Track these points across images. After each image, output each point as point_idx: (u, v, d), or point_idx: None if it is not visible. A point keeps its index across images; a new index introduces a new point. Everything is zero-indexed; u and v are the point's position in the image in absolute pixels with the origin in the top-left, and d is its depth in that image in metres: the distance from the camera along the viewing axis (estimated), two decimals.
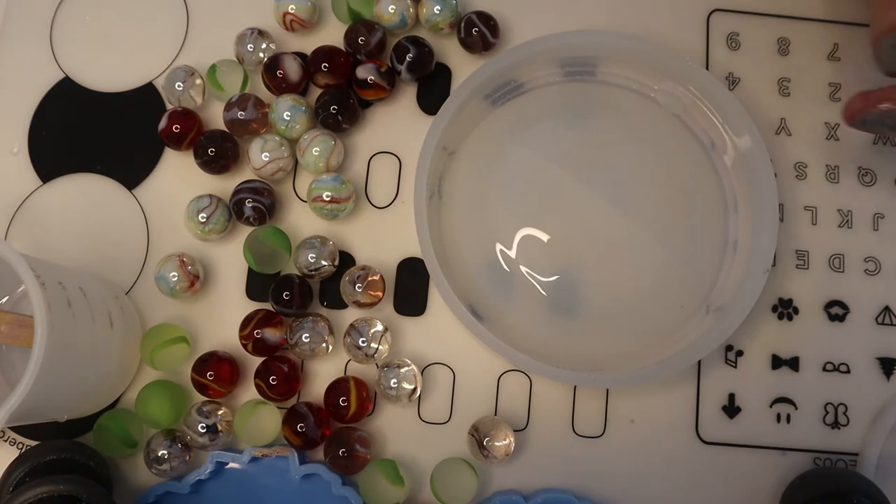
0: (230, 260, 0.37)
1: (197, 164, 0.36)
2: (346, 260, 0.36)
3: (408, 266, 0.36)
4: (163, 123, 0.37)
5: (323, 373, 0.35)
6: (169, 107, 0.38)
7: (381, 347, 0.34)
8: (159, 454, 0.33)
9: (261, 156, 0.35)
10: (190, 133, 0.37)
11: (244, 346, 0.34)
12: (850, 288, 0.37)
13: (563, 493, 0.34)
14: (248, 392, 0.35)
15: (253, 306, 0.36)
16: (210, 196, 0.36)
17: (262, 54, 0.37)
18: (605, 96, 0.38)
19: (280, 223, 0.37)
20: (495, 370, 0.36)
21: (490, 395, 0.35)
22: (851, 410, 0.36)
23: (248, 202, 0.35)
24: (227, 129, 0.37)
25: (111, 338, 0.32)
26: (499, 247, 0.36)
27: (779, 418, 0.36)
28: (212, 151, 0.36)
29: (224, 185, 0.37)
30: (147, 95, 0.38)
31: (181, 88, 0.37)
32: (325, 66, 0.37)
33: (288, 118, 0.36)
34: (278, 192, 0.37)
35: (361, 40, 0.37)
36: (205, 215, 0.35)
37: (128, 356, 0.34)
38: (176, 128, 0.36)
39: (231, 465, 0.34)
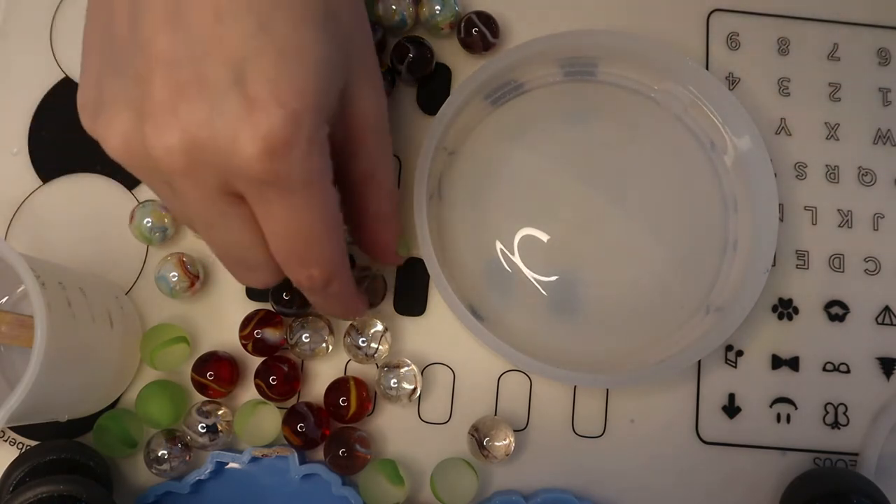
0: None
1: None
2: None
3: (408, 266, 0.36)
4: None
5: (323, 373, 0.35)
6: None
7: (380, 347, 0.34)
8: (159, 454, 0.33)
9: None
10: None
11: (244, 346, 0.34)
12: (850, 288, 0.37)
13: (563, 493, 0.34)
14: (248, 392, 0.35)
15: (253, 306, 0.36)
16: None
17: None
18: (605, 96, 0.38)
19: None
20: (495, 370, 0.36)
21: (490, 395, 0.35)
22: (851, 410, 0.36)
23: None
24: None
25: (111, 338, 0.32)
26: (499, 246, 0.36)
27: (779, 418, 0.36)
28: None
29: None
30: None
31: None
32: None
33: None
34: None
35: None
36: None
37: (128, 356, 0.34)
38: None
39: (231, 465, 0.34)
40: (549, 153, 0.37)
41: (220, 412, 0.34)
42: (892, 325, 0.36)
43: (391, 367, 0.34)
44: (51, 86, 0.38)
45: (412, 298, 0.36)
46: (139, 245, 0.37)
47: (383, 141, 0.31)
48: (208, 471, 0.33)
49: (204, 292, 0.36)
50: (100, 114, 0.26)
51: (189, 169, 0.25)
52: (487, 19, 0.37)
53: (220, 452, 0.33)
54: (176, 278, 0.34)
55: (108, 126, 0.25)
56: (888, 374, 0.36)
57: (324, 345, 0.34)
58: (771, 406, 0.36)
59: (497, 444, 0.34)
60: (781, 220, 0.37)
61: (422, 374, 0.35)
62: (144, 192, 0.37)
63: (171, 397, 0.34)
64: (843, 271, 0.37)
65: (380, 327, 0.34)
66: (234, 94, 0.24)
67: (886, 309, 0.37)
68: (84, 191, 0.37)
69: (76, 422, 0.34)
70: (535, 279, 0.36)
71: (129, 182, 0.37)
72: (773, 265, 0.36)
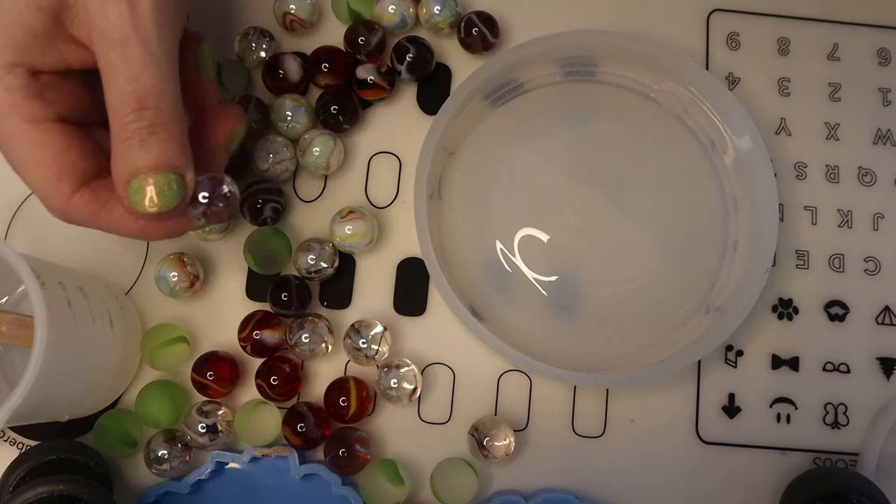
0: (230, 260, 0.36)
1: None
2: (346, 261, 0.36)
3: (408, 266, 0.36)
4: None
5: (323, 373, 0.35)
6: None
7: (381, 349, 0.34)
8: (159, 454, 0.33)
9: (268, 158, 0.35)
10: None
11: (243, 347, 0.34)
12: (850, 288, 0.37)
13: (563, 493, 0.34)
14: (249, 392, 0.35)
15: (253, 306, 0.36)
16: None
17: (262, 54, 0.37)
18: (605, 96, 0.38)
19: (280, 224, 0.37)
20: (495, 370, 0.36)
21: (490, 395, 0.35)
22: (851, 410, 0.36)
23: (269, 203, 0.35)
24: None
25: (111, 338, 0.32)
26: (499, 246, 0.36)
27: (779, 418, 0.36)
28: None
29: None
30: None
31: None
32: (325, 67, 0.37)
33: (289, 118, 0.36)
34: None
35: (361, 40, 0.37)
36: None
37: (128, 356, 0.34)
38: None
39: (231, 465, 0.34)
40: (549, 153, 0.37)
41: (220, 412, 0.34)
42: (892, 325, 0.36)
43: (391, 367, 0.34)
44: None
45: (412, 298, 0.36)
46: (139, 245, 0.37)
47: (113, 55, 0.26)
48: (208, 471, 0.33)
49: (204, 292, 0.36)
50: None
51: None
52: (487, 19, 0.37)
53: (220, 452, 0.33)
54: (176, 278, 0.34)
55: None
56: (888, 374, 0.36)
57: (323, 345, 0.34)
58: (771, 406, 0.36)
59: (497, 444, 0.34)
60: (781, 220, 0.37)
61: (422, 374, 0.35)
62: None
63: (171, 397, 0.34)
64: (843, 271, 0.37)
65: (379, 328, 0.34)
66: None
67: (886, 309, 0.37)
68: None
69: (76, 422, 0.34)
70: (535, 279, 0.36)
71: None
72: (773, 265, 0.36)
